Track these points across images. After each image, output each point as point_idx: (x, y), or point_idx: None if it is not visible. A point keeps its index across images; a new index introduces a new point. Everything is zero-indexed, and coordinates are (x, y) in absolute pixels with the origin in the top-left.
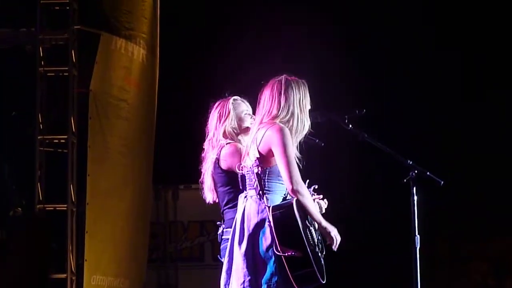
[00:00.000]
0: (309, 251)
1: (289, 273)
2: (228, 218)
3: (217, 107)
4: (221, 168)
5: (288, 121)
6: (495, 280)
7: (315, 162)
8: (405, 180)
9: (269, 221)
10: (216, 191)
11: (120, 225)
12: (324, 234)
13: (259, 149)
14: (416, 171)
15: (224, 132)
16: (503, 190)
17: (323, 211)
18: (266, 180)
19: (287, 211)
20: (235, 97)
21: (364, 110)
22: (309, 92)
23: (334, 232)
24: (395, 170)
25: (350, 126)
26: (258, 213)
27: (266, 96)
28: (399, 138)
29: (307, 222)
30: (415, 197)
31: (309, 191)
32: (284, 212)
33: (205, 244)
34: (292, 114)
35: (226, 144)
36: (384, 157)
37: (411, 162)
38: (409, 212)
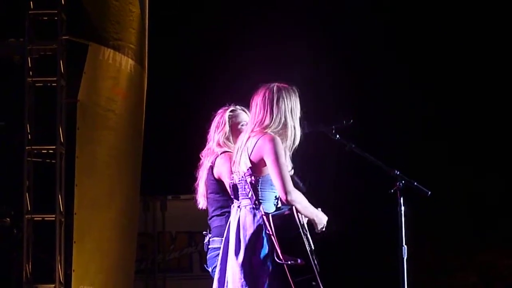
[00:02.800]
0: (310, 257)
1: (290, 280)
2: (214, 226)
3: (216, 116)
4: (214, 176)
5: (280, 131)
6: None
7: (302, 174)
8: (392, 191)
9: (268, 230)
10: (207, 198)
11: (107, 235)
12: (319, 224)
13: (251, 158)
14: (403, 182)
15: (218, 141)
16: (490, 201)
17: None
18: (259, 189)
19: (288, 219)
20: (233, 107)
21: (352, 120)
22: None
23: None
24: (382, 180)
25: (338, 136)
26: (254, 223)
27: (258, 105)
28: (387, 148)
29: (304, 230)
30: (402, 207)
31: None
32: (285, 220)
33: (193, 255)
34: (285, 124)
35: (221, 153)
36: (371, 168)
37: (398, 172)
38: (396, 222)
